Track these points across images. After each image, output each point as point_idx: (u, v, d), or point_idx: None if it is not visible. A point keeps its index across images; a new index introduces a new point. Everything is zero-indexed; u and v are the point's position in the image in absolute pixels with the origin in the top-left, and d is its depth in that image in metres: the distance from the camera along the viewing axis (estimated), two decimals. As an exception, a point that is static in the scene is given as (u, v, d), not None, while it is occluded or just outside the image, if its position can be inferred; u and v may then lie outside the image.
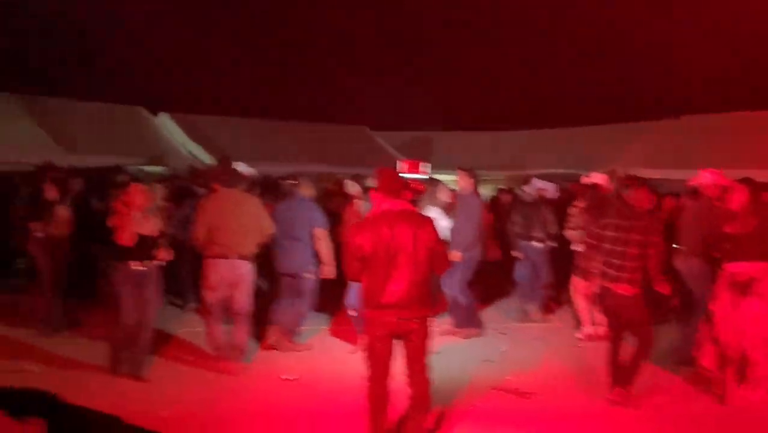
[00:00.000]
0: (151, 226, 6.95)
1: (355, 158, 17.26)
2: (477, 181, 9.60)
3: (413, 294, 5.05)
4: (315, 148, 17.30)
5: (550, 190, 10.62)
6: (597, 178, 9.38)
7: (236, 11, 25.00)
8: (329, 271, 8.21)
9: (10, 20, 22.31)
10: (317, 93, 25.09)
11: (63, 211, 8.72)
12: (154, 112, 17.20)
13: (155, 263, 7.01)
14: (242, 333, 7.53)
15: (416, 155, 16.83)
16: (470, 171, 9.52)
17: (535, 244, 10.05)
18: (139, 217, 6.87)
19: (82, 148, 13.31)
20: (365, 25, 24.53)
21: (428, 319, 5.25)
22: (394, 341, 5.17)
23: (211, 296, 7.38)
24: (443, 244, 5.38)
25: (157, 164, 14.74)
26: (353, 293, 7.97)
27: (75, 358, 7.59)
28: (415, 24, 26.34)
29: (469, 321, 9.21)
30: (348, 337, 8.50)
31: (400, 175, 5.83)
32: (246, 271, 7.43)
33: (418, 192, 9.88)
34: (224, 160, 8.00)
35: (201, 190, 10.10)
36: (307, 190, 8.46)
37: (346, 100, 24.36)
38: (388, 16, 25.48)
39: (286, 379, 7.17)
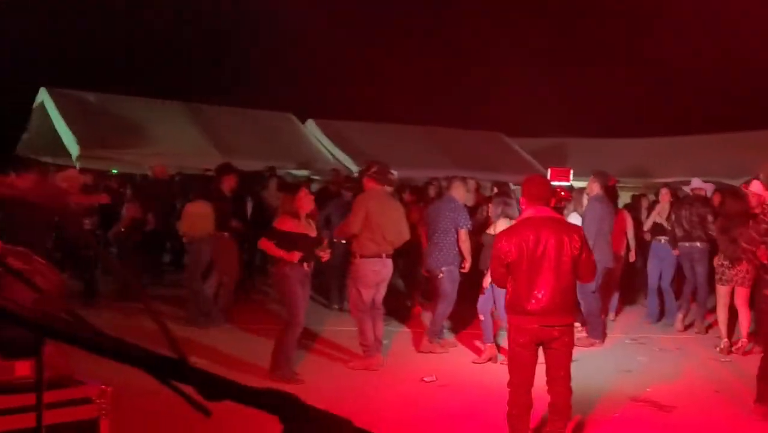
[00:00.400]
0: (313, 227, 7.34)
1: (492, 164, 17.22)
2: (605, 186, 9.46)
3: (557, 301, 5.05)
4: (452, 153, 17.37)
5: (707, 190, 10.40)
6: (755, 187, 9.19)
7: (375, 24, 25.71)
8: (468, 265, 8.41)
9: (177, 35, 24.14)
10: (454, 99, 25.36)
11: (195, 208, 9.18)
12: (303, 119, 17.87)
13: (313, 263, 7.35)
14: (381, 326, 7.85)
15: (552, 161, 16.62)
16: (600, 175, 9.40)
17: (695, 244, 9.75)
18: (306, 220, 7.28)
19: (238, 152, 13.97)
20: (500, 33, 24.56)
21: (572, 327, 5.32)
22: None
23: (367, 294, 7.62)
24: (589, 252, 5.31)
25: (303, 168, 15.36)
26: (483, 300, 8.12)
27: (229, 352, 8.01)
28: (550, 32, 26.15)
29: (592, 330, 9.08)
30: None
31: (549, 182, 5.91)
32: (391, 269, 7.81)
33: (564, 200, 9.87)
34: (379, 163, 8.25)
35: (347, 194, 10.50)
36: (456, 191, 8.63)
37: (481, 106, 24.49)
38: (525, 27, 25.42)
39: (426, 381, 7.32)
